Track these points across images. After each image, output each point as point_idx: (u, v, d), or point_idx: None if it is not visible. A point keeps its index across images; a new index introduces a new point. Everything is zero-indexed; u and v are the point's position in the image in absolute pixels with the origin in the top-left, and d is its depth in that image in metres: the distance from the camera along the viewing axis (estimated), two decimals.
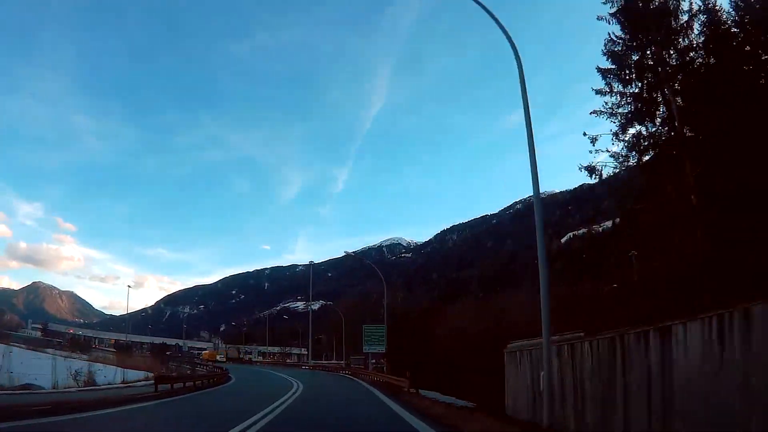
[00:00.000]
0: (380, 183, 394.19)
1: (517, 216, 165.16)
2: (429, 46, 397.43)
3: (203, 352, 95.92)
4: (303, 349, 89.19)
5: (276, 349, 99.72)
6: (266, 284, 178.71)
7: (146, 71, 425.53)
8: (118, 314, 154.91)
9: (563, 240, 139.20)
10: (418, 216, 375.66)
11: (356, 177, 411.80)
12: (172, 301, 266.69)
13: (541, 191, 9.29)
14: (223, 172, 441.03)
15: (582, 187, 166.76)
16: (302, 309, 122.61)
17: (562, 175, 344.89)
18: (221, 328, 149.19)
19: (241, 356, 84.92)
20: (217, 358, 74.99)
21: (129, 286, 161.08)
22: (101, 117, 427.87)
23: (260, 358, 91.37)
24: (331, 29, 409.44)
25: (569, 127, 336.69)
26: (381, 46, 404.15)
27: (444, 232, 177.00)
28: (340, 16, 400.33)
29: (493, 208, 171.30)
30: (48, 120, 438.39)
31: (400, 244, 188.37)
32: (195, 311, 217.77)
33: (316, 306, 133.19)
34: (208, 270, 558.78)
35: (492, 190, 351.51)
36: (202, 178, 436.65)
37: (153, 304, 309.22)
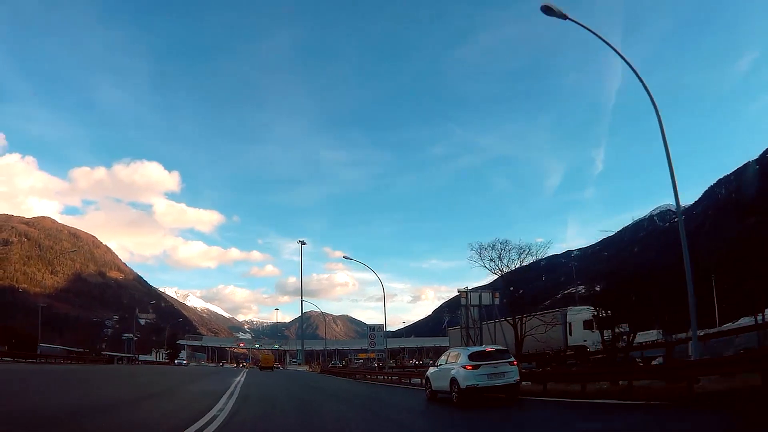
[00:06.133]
0: (638, 154, 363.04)
1: None
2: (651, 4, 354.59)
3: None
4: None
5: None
6: (543, 276, 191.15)
7: (380, 94, 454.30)
8: (395, 329, 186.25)
9: None
10: (682, 179, 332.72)
11: (613, 154, 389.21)
12: (450, 307, 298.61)
13: None
14: (481, 174, 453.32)
15: None
16: (583, 293, 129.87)
17: None
18: None
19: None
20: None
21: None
22: (347, 147, 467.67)
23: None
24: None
25: None
26: (602, 18, 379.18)
27: (711, 188, 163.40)
28: None
29: (753, 153, 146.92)
30: (298, 161, 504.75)
31: (669, 210, 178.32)
32: None
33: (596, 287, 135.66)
34: (482, 272, 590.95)
35: (743, 136, 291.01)
36: (461, 184, 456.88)
37: (431, 313, 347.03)
